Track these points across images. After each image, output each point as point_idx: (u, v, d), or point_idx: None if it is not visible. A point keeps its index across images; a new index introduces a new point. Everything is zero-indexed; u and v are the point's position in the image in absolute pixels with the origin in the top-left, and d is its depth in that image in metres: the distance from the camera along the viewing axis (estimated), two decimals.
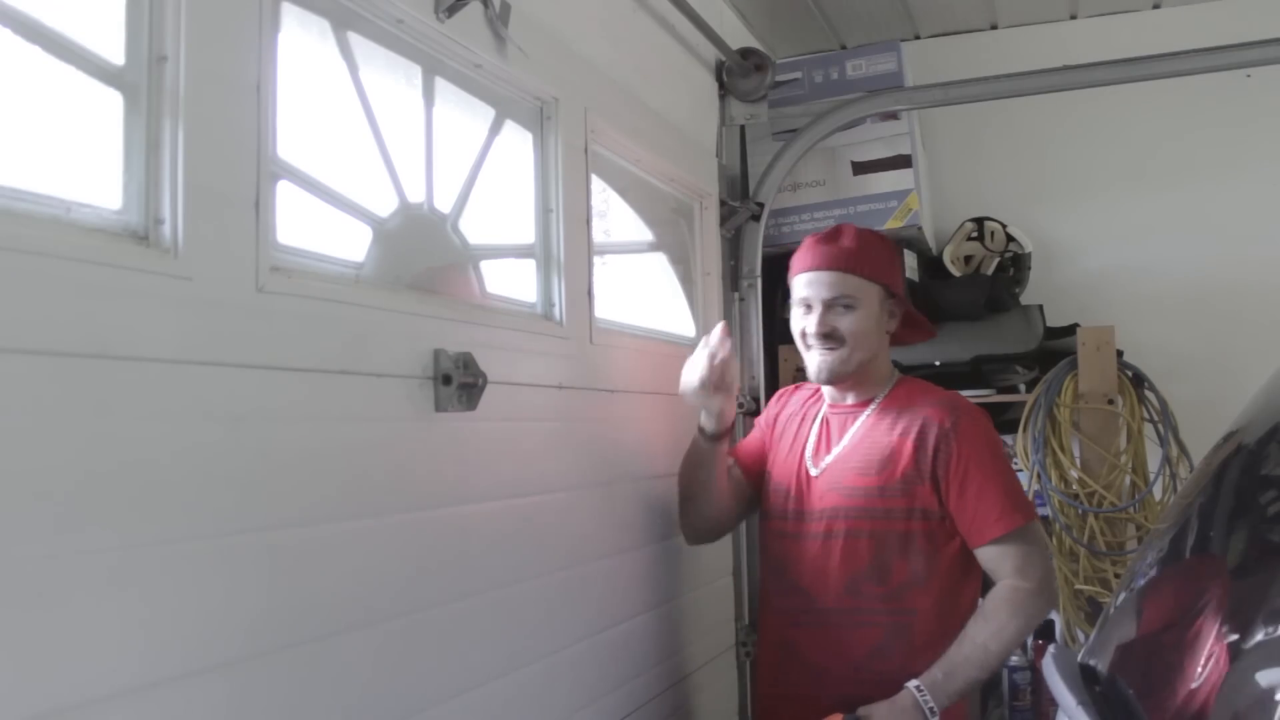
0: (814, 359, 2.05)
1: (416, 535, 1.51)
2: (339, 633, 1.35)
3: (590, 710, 1.96)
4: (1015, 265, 3.20)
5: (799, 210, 3.07)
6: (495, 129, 1.88)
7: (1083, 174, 3.31)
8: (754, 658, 2.21)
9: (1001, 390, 2.97)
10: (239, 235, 1.23)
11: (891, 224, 2.97)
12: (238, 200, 1.23)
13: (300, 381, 1.31)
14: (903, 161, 3.02)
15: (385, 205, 1.59)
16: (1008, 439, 2.79)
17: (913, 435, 1.98)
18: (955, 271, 3.20)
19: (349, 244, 1.51)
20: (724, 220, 2.81)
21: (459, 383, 1.56)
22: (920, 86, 3.04)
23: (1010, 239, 3.21)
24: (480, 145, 1.84)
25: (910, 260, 3.10)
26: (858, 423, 2.07)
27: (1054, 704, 1.17)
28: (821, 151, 3.01)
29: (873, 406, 2.07)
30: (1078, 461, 2.82)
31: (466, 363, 1.58)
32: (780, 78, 2.97)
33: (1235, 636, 1.01)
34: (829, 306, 2.02)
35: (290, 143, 1.35)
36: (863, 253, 2.04)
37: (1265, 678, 0.94)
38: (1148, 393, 2.86)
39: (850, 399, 2.10)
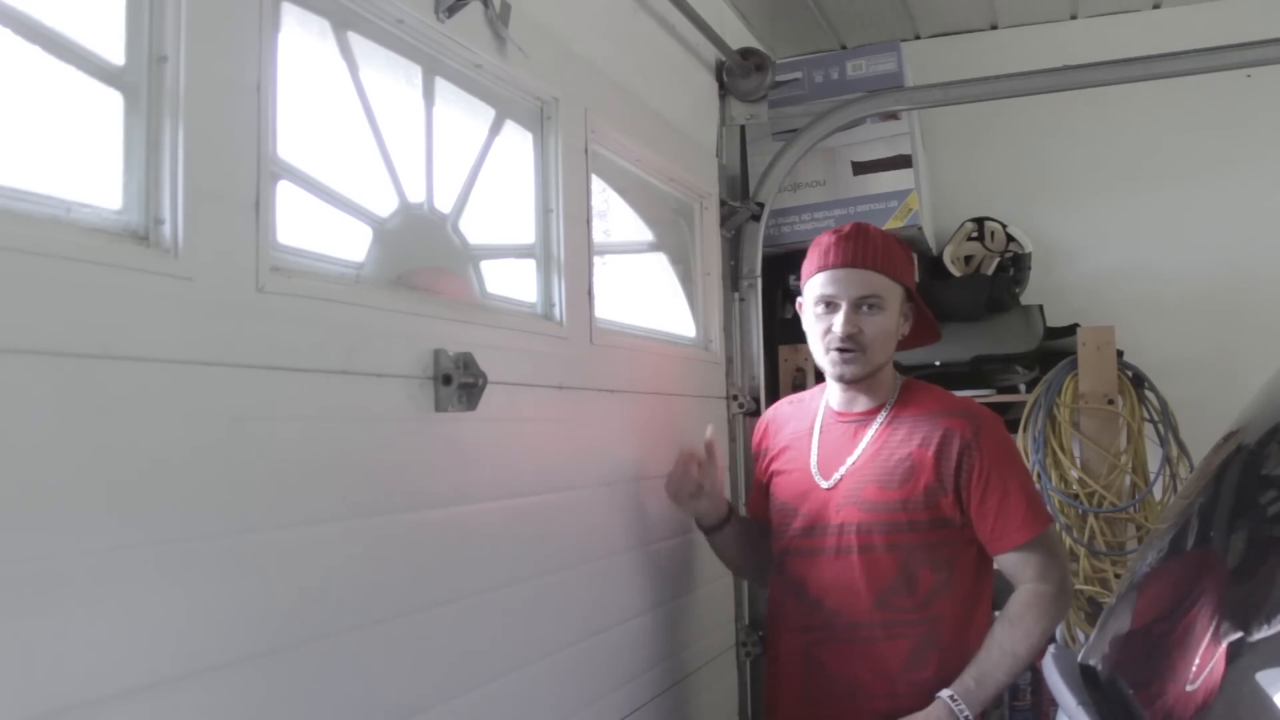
0: (834, 359, 2.00)
1: (416, 535, 1.51)
2: (339, 632, 1.35)
3: (590, 710, 1.96)
4: (1015, 265, 3.20)
5: (799, 210, 3.07)
6: (495, 129, 1.88)
7: (1083, 174, 3.31)
8: (770, 677, 2.15)
9: (1001, 390, 2.97)
10: (239, 235, 1.23)
11: (891, 224, 2.97)
12: (238, 200, 1.23)
13: (300, 381, 1.31)
14: (903, 161, 3.02)
15: (385, 205, 1.59)
16: None
17: (933, 447, 1.95)
18: (955, 271, 3.20)
19: (349, 244, 1.51)
20: (724, 220, 2.81)
21: (459, 383, 1.56)
22: (920, 86, 3.04)
23: (1010, 239, 3.21)
24: (480, 145, 1.84)
25: None
26: (870, 432, 2.03)
27: (1054, 704, 1.17)
28: (821, 151, 3.01)
29: (883, 414, 2.03)
30: (1078, 461, 2.82)
31: (466, 363, 1.58)
32: (780, 78, 2.97)
33: (1235, 636, 1.01)
34: (856, 306, 1.97)
35: (290, 143, 1.35)
36: (888, 252, 2.00)
37: (1265, 678, 0.94)
38: (1148, 393, 2.86)
39: (858, 406, 2.06)
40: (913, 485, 1.95)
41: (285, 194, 1.36)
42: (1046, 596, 1.92)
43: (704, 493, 2.11)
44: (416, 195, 1.66)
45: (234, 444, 1.20)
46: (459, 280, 1.79)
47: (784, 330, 3.00)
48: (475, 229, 1.79)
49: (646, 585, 2.22)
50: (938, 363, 2.91)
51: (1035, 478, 2.78)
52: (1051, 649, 1.25)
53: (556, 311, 1.96)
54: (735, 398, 2.76)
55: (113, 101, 1.14)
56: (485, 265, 1.84)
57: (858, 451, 2.02)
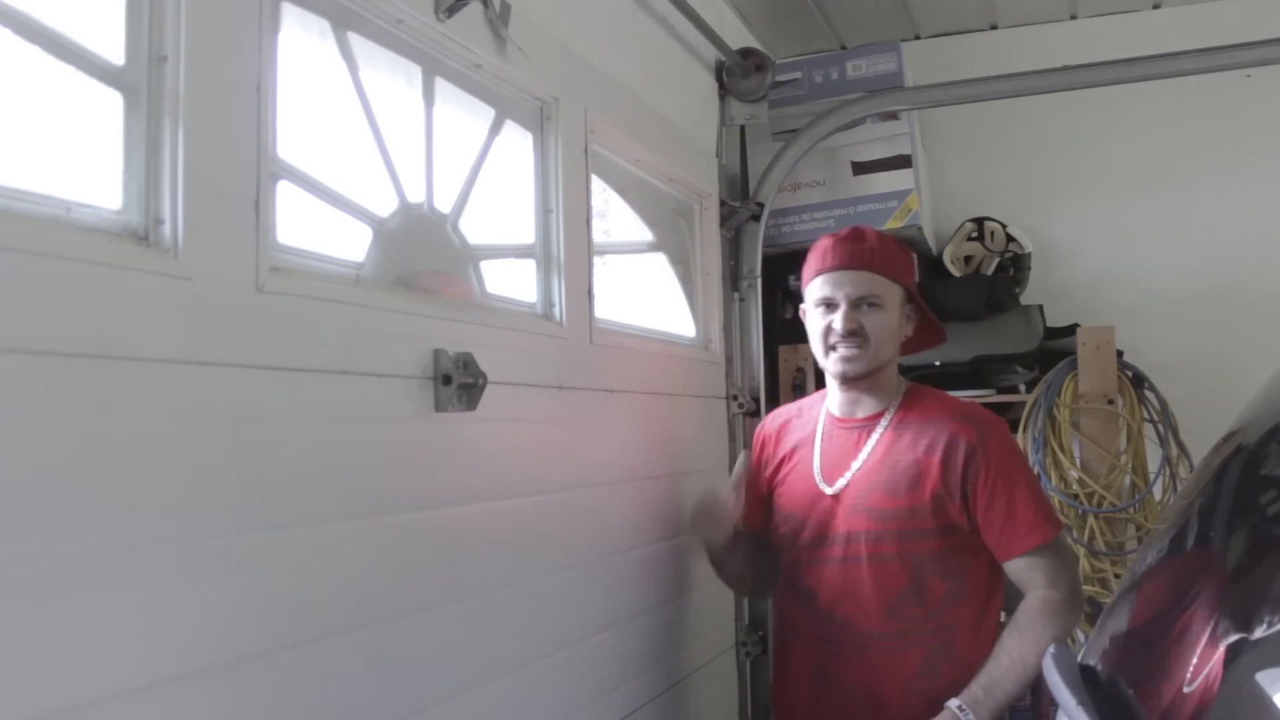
0: (836, 357, 1.99)
1: (416, 535, 1.51)
2: (339, 632, 1.35)
3: (590, 710, 1.96)
4: (1015, 265, 3.20)
5: (799, 210, 3.07)
6: (495, 129, 1.88)
7: (1083, 174, 3.31)
8: (778, 686, 2.14)
9: (1001, 390, 2.97)
10: (239, 235, 1.23)
11: (891, 224, 2.97)
12: (238, 200, 1.23)
13: (300, 381, 1.31)
14: (903, 161, 3.02)
15: (385, 205, 1.59)
16: None
17: (939, 453, 1.93)
18: (955, 272, 3.20)
19: (349, 244, 1.51)
20: (724, 220, 2.81)
21: (459, 383, 1.56)
22: (920, 86, 3.04)
23: (1010, 239, 3.21)
24: (480, 145, 1.84)
25: None
26: (874, 438, 2.01)
27: (1054, 704, 1.17)
28: (821, 151, 3.01)
29: (887, 420, 2.02)
30: (1078, 462, 2.82)
31: (466, 363, 1.57)
32: (780, 78, 2.97)
33: (1235, 636, 1.00)
34: (855, 304, 1.97)
35: (290, 143, 1.35)
36: (886, 253, 2.01)
37: (1264, 678, 0.94)
38: (1148, 393, 2.86)
39: (861, 411, 2.05)
40: (919, 492, 1.93)
41: (285, 194, 1.36)
42: (1056, 603, 1.89)
43: (727, 525, 2.12)
44: (416, 195, 1.66)
45: (233, 444, 1.20)
46: (462, 284, 1.79)
47: (784, 330, 3.00)
48: (475, 229, 1.79)
49: (646, 585, 2.22)
50: (938, 363, 2.91)
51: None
52: (1051, 649, 1.25)
53: (556, 311, 1.96)
54: (735, 398, 2.77)
55: (113, 101, 1.14)
56: (485, 265, 1.84)
57: (862, 457, 2.01)
